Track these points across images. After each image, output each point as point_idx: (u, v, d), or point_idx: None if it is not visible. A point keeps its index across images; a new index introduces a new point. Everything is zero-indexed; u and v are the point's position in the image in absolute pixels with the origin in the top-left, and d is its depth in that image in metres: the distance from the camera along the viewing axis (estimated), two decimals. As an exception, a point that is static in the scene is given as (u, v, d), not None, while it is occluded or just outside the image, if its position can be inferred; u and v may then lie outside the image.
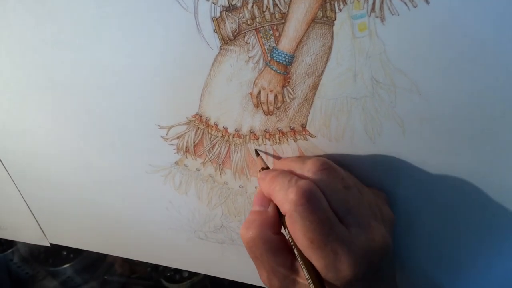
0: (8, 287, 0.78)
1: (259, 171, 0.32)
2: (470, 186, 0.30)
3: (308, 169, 0.28)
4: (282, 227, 0.28)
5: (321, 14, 0.26)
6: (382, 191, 0.32)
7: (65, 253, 0.77)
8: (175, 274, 0.72)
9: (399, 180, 0.32)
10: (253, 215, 0.29)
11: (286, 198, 0.26)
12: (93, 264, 0.78)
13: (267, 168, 0.33)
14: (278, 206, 0.28)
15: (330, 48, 0.27)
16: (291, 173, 0.28)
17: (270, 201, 0.29)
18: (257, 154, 0.34)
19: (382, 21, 0.25)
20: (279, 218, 0.29)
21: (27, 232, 0.55)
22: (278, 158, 0.34)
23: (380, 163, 0.31)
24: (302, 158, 0.31)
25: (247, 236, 0.28)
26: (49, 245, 0.56)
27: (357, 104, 0.29)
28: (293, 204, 0.25)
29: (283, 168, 0.30)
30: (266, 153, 0.34)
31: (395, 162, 0.31)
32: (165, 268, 0.73)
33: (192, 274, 0.71)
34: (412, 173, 0.31)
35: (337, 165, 0.28)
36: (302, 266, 0.26)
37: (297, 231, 0.25)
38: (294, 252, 0.27)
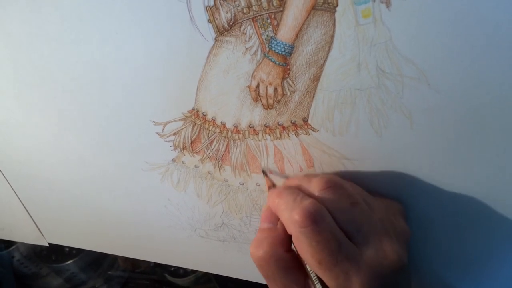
0: (12, 284, 0.79)
1: (268, 189, 0.32)
2: (486, 186, 0.29)
3: (313, 188, 0.28)
4: (293, 244, 0.28)
5: (322, 1, 0.25)
6: (396, 201, 0.31)
7: (67, 249, 0.77)
8: (179, 269, 0.73)
9: (408, 183, 0.31)
10: (263, 232, 0.29)
11: (291, 219, 0.26)
12: (96, 259, 0.79)
13: (275, 186, 0.33)
14: (284, 225, 0.27)
15: (332, 36, 0.26)
16: (298, 189, 0.28)
17: (278, 217, 0.29)
18: (265, 174, 0.34)
19: (387, 6, 0.24)
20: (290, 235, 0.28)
21: (24, 232, 0.55)
22: (285, 177, 0.34)
23: (388, 166, 0.30)
24: (308, 176, 0.31)
25: (258, 255, 0.27)
26: (47, 245, 0.55)
27: (361, 95, 0.28)
28: (298, 226, 0.25)
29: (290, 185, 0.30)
30: (273, 172, 0.34)
31: (403, 163, 0.30)
32: (169, 262, 0.73)
33: (196, 268, 0.71)
34: (421, 175, 0.30)
35: (344, 179, 0.28)
36: (316, 282, 0.25)
37: (304, 252, 0.25)
38: (306, 269, 0.27)
